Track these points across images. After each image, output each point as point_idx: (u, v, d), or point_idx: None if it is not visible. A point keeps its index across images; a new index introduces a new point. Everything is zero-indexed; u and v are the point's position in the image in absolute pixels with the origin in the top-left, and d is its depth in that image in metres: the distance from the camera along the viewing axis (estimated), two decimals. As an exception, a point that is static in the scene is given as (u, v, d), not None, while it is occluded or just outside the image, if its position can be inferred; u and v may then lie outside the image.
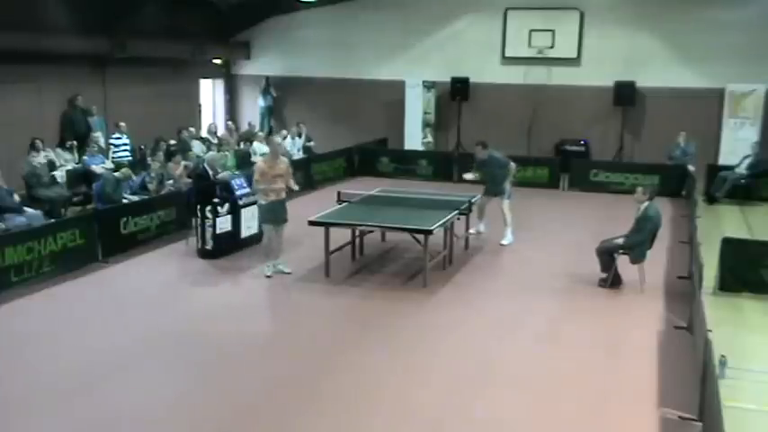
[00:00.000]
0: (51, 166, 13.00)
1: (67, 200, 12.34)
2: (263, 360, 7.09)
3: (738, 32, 17.18)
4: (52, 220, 10.73)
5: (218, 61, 21.00)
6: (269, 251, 9.59)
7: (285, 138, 17.47)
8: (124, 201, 11.73)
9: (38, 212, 10.98)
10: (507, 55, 18.99)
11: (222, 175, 11.23)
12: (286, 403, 6.19)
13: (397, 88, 19.35)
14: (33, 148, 12.71)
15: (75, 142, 14.28)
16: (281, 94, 21.04)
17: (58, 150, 13.77)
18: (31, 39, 13.84)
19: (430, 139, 19.77)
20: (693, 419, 5.79)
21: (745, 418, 5.90)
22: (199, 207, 10.30)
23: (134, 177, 12.70)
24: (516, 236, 11.47)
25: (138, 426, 5.78)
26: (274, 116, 20.94)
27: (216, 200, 10.35)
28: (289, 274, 9.56)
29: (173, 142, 14.84)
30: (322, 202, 11.71)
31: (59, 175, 12.97)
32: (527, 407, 6.17)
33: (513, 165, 11.59)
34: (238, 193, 10.77)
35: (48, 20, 14.32)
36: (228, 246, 10.50)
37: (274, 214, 9.51)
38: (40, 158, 12.15)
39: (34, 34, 13.91)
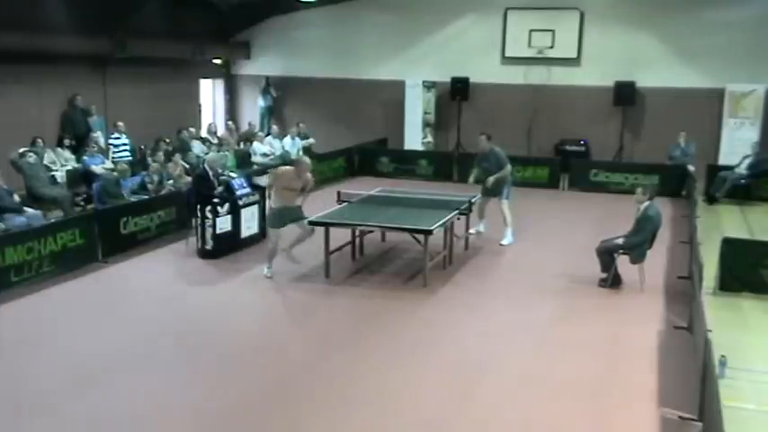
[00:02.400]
0: (48, 167, 12.95)
1: (72, 199, 12.35)
2: (262, 360, 7.09)
3: (738, 32, 17.19)
4: (52, 220, 10.73)
5: (218, 61, 20.99)
6: (271, 254, 9.51)
7: (284, 137, 17.50)
8: (125, 196, 11.78)
9: (38, 212, 10.98)
10: (507, 55, 18.99)
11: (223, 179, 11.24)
12: (285, 403, 6.19)
13: (397, 88, 19.34)
14: (33, 146, 12.71)
15: (73, 141, 14.28)
16: (281, 94, 21.04)
17: (58, 150, 13.77)
18: (31, 39, 13.83)
19: (430, 139, 19.77)
20: (693, 419, 5.79)
21: (745, 418, 5.90)
22: (199, 207, 10.30)
23: (131, 178, 12.72)
24: (516, 236, 11.47)
25: (138, 425, 5.78)
26: (274, 116, 20.94)
27: (216, 200, 10.35)
28: (298, 263, 9.60)
29: (168, 141, 14.83)
30: (322, 202, 11.72)
31: (59, 175, 12.97)
32: (527, 407, 6.17)
33: (509, 167, 11.42)
34: (239, 193, 10.77)
35: (48, 20, 14.31)
36: (228, 246, 10.50)
37: (281, 219, 9.43)
38: (28, 158, 12.10)
39: (34, 34, 13.91)
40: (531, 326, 8.05)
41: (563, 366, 6.95)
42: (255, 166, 15.72)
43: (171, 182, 12.84)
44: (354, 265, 10.18)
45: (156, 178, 12.72)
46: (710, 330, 5.90)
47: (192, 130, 16.32)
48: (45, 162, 12.86)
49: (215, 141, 16.40)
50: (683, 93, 17.60)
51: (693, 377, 6.34)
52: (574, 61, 18.57)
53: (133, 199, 11.79)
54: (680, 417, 5.91)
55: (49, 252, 9.18)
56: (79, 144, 14.42)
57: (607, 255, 9.26)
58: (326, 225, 9.48)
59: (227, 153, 15.15)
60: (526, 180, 16.62)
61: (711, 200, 14.87)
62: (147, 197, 11.92)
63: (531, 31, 18.54)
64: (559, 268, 10.07)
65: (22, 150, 12.18)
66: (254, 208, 11.12)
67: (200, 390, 6.44)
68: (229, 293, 9.07)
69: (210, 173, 10.70)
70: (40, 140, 13.02)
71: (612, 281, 9.23)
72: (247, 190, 10.98)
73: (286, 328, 8.00)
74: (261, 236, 11.26)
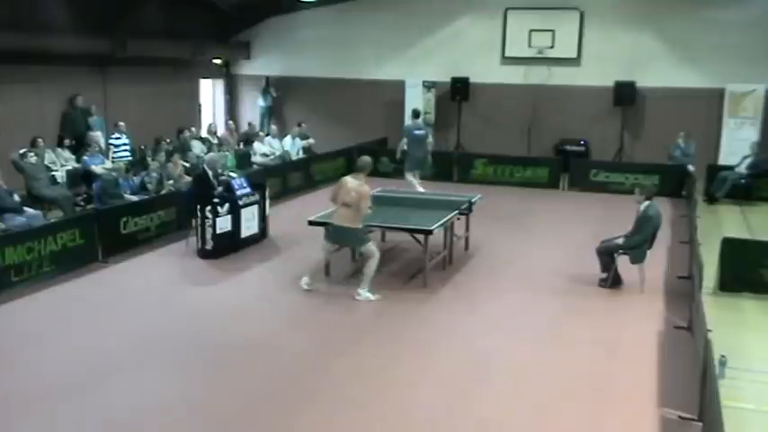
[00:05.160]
0: (48, 167, 12.93)
1: (72, 199, 12.34)
2: (262, 360, 7.09)
3: (738, 32, 17.18)
4: (52, 220, 10.73)
5: (218, 61, 21.00)
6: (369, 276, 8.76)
7: (284, 137, 17.50)
8: (125, 196, 11.79)
9: (38, 212, 10.98)
10: (507, 55, 18.98)
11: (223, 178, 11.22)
12: (285, 403, 6.19)
13: (397, 88, 19.34)
14: (33, 146, 12.71)
15: (73, 141, 14.27)
16: (281, 94, 21.04)
17: (58, 150, 13.76)
18: (31, 39, 13.84)
19: (430, 139, 19.71)
20: (693, 419, 5.79)
21: (745, 418, 5.90)
22: (199, 207, 10.30)
23: (133, 178, 12.71)
24: (516, 236, 11.47)
25: (137, 425, 5.78)
26: (274, 116, 20.94)
27: (216, 200, 10.35)
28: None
29: (168, 141, 14.84)
30: (322, 202, 11.71)
31: (59, 175, 12.97)
32: (527, 407, 6.17)
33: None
34: (238, 193, 10.77)
35: (48, 20, 14.32)
36: (228, 246, 10.50)
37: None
38: (30, 158, 12.09)
39: (34, 34, 13.91)
40: (531, 326, 8.05)
41: (563, 366, 6.95)
42: (255, 166, 15.72)
43: (171, 182, 12.84)
44: (354, 265, 10.17)
45: (156, 178, 12.71)
46: (710, 330, 5.90)
47: (192, 129, 16.33)
48: (45, 162, 12.86)
49: (215, 141, 16.40)
50: (683, 93, 17.59)
51: (693, 377, 6.34)
52: (574, 61, 18.56)
53: (133, 199, 11.79)
54: (680, 417, 5.91)
55: (49, 252, 9.18)
56: (79, 144, 14.42)
57: (607, 255, 9.26)
58: (326, 225, 9.46)
59: (227, 153, 15.14)
60: (526, 180, 16.65)
61: (711, 200, 14.88)
62: (147, 197, 11.92)
63: (531, 31, 18.53)
64: (559, 268, 10.08)
65: (23, 151, 12.18)
66: (254, 208, 11.11)
67: (200, 390, 6.44)
68: (229, 293, 9.07)
69: (210, 173, 10.71)
70: (40, 140, 13.01)
71: (612, 281, 9.23)
72: (247, 190, 10.98)
73: (286, 328, 7.99)
74: (261, 236, 11.27)
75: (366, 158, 8.95)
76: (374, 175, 17.04)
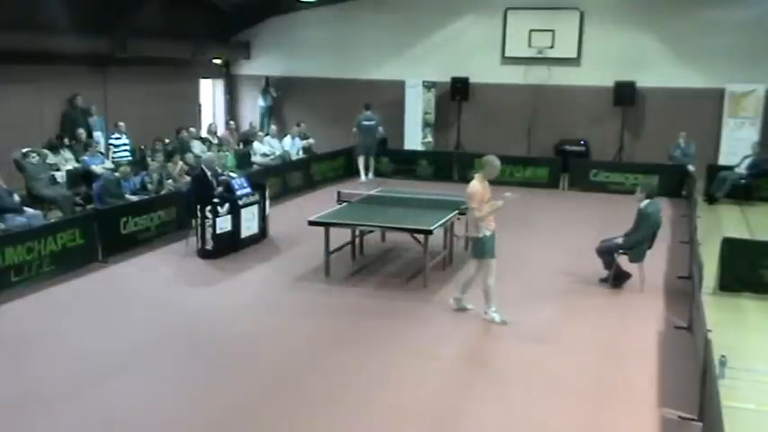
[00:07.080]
0: (51, 166, 12.94)
1: (72, 199, 12.34)
2: (262, 359, 7.09)
3: (738, 32, 17.19)
4: (52, 220, 10.73)
5: (218, 61, 21.00)
6: (468, 285, 8.26)
7: (284, 137, 17.51)
8: (127, 196, 11.79)
9: (38, 212, 10.98)
10: (507, 55, 18.99)
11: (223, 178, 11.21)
12: (285, 403, 6.19)
13: (397, 88, 19.34)
14: (51, 148, 12.73)
15: (73, 141, 14.27)
16: (281, 94, 21.04)
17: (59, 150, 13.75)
18: (31, 39, 13.83)
19: (430, 139, 19.78)
20: (693, 419, 5.79)
21: (745, 418, 5.90)
22: (198, 207, 10.30)
23: (133, 178, 12.71)
24: (516, 235, 11.46)
25: (138, 426, 5.78)
26: (274, 116, 20.94)
27: (215, 200, 10.35)
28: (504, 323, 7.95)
29: (167, 141, 14.83)
30: (322, 202, 11.73)
31: (59, 175, 12.96)
32: (526, 406, 6.17)
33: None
34: (238, 193, 10.77)
35: (48, 20, 14.30)
36: (228, 246, 10.50)
37: (493, 246, 7.94)
38: (31, 158, 12.07)
39: (34, 34, 13.91)
40: (531, 325, 8.04)
41: (563, 366, 6.95)
42: (255, 166, 15.72)
43: (170, 182, 12.83)
44: (354, 265, 10.18)
45: (155, 178, 12.70)
46: (710, 330, 5.90)
47: (192, 130, 16.32)
48: (49, 162, 12.84)
49: (215, 141, 16.40)
50: (683, 93, 17.59)
51: (693, 377, 6.34)
52: (574, 61, 18.56)
53: (133, 199, 11.78)
54: (680, 417, 5.91)
55: (49, 252, 9.18)
56: (78, 143, 14.40)
57: (608, 254, 9.27)
58: (326, 225, 9.48)
59: (227, 153, 15.14)
60: (526, 180, 16.64)
61: (711, 200, 14.88)
62: (147, 197, 11.92)
63: (531, 31, 18.53)
64: (559, 268, 10.08)
65: (25, 150, 12.18)
66: (254, 208, 11.11)
67: (200, 389, 6.44)
68: (229, 293, 9.07)
69: (209, 173, 10.70)
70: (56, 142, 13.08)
71: (618, 279, 9.21)
72: (247, 190, 10.98)
73: (286, 328, 7.99)
74: (261, 236, 11.27)
75: (487, 157, 7.99)
76: (374, 174, 17.27)
